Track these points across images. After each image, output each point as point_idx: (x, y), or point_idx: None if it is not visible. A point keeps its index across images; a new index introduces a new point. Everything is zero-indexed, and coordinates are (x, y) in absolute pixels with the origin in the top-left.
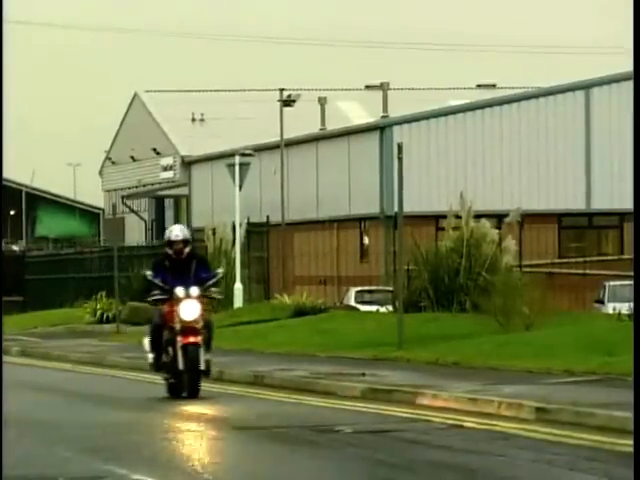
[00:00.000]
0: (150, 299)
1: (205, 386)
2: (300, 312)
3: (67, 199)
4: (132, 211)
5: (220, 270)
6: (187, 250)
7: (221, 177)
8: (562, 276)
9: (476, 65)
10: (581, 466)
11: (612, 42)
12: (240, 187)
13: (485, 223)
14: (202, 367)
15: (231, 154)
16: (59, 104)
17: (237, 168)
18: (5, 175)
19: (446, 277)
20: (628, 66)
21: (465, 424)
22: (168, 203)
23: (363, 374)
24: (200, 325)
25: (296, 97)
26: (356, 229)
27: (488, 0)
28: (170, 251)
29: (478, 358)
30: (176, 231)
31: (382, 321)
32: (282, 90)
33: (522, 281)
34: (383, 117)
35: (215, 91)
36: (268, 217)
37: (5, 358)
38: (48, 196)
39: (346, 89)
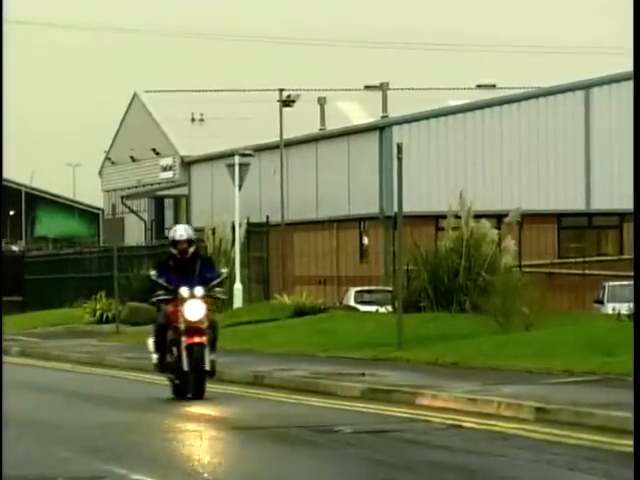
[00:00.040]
0: (154, 299)
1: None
2: (300, 312)
3: (67, 199)
4: (132, 211)
5: (225, 270)
6: (191, 250)
7: (221, 177)
8: (562, 276)
9: (476, 65)
10: (580, 466)
11: (612, 42)
12: (240, 187)
13: (485, 223)
14: (207, 368)
15: (231, 154)
16: (59, 104)
17: (237, 168)
18: (5, 175)
19: (446, 277)
20: (628, 66)
21: (464, 424)
22: (168, 203)
23: (363, 374)
24: (205, 325)
25: (296, 97)
26: (356, 229)
27: (488, 0)
28: (174, 251)
29: (478, 358)
30: (180, 231)
31: (382, 321)
32: (282, 90)
33: (522, 281)
34: (383, 117)
35: (215, 91)
36: (268, 217)
37: (5, 358)
38: (48, 196)
39: (346, 89)
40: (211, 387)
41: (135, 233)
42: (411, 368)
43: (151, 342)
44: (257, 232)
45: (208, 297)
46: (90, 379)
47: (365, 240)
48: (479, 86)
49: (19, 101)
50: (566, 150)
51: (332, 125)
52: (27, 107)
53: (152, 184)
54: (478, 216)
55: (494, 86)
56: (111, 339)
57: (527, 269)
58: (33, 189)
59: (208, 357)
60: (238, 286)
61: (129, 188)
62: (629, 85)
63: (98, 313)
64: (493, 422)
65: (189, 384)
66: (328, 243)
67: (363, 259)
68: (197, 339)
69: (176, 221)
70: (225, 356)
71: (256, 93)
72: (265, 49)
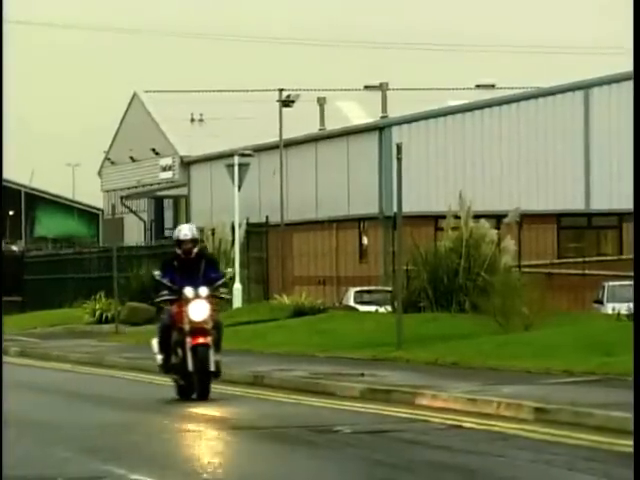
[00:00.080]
0: (159, 299)
1: None
2: (299, 312)
3: (66, 199)
4: (131, 211)
5: (229, 270)
6: (196, 250)
7: (220, 177)
8: (561, 276)
9: (475, 65)
10: (580, 466)
11: (612, 42)
12: (239, 187)
13: (484, 223)
14: (212, 368)
15: (230, 154)
16: (59, 104)
17: (236, 168)
18: (4, 175)
19: (445, 277)
20: (627, 66)
21: (464, 424)
22: (167, 203)
23: (362, 374)
24: (210, 326)
25: (295, 97)
26: (355, 229)
27: (488, 0)
28: (179, 251)
29: (477, 358)
30: (185, 230)
31: (381, 321)
32: (281, 90)
33: (521, 281)
34: (382, 117)
35: (214, 91)
36: (267, 217)
37: (4, 358)
38: (47, 196)
39: (345, 89)
40: (211, 387)
41: (134, 233)
42: (410, 368)
43: (155, 343)
44: (256, 232)
45: (213, 297)
46: (89, 379)
47: (364, 240)
48: (478, 86)
49: (19, 101)
50: (565, 150)
51: (332, 125)
52: (27, 107)
53: (151, 184)
54: (477, 216)
55: (493, 86)
56: (110, 339)
57: (526, 269)
58: (33, 189)
59: (213, 358)
60: (237, 286)
61: (128, 188)
62: (629, 85)
63: (97, 313)
64: (492, 422)
65: (194, 385)
66: (327, 243)
67: (362, 259)
68: (202, 340)
69: (175, 221)
70: (224, 356)
71: (256, 93)
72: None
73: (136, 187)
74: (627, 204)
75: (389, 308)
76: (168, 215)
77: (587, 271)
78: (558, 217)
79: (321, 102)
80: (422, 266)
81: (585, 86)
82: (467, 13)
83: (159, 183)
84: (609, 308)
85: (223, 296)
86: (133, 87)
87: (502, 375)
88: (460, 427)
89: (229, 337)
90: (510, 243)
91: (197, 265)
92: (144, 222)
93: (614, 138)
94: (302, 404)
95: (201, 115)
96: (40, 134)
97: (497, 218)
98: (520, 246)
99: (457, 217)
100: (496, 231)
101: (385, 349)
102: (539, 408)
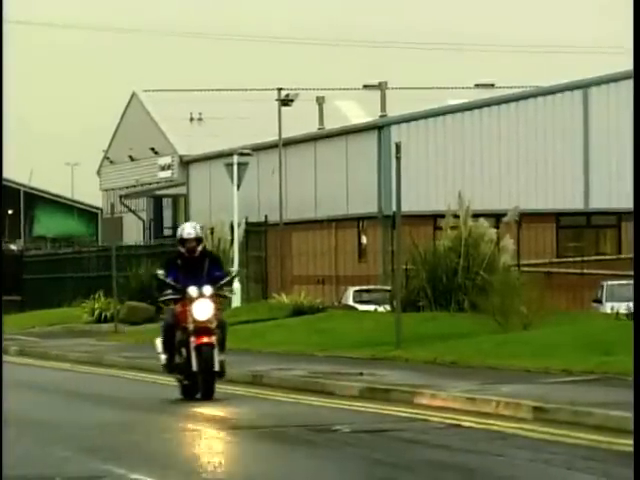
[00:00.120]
0: (162, 299)
1: None
2: (298, 311)
3: (65, 199)
4: (130, 210)
5: (234, 269)
6: (200, 248)
7: (219, 176)
8: (560, 275)
9: (475, 65)
10: (578, 465)
11: (612, 42)
12: (238, 186)
13: (483, 222)
14: (216, 368)
15: (229, 153)
16: (58, 104)
17: (235, 167)
18: (4, 175)
19: (444, 276)
20: (627, 65)
21: (463, 423)
22: (166, 202)
23: (361, 373)
24: (214, 325)
25: (294, 96)
26: (354, 229)
27: (488, 0)
28: (182, 249)
29: (476, 357)
30: (188, 229)
31: (380, 320)
32: (280, 89)
33: (520, 280)
34: (381, 116)
35: (213, 90)
36: (266, 217)
37: (3, 357)
38: (46, 195)
39: (344, 88)
40: (215, 387)
41: (133, 232)
42: (410, 367)
43: (159, 342)
44: (255, 231)
45: (217, 296)
46: (89, 378)
47: (364, 239)
48: (478, 85)
49: (19, 101)
50: (564, 149)
51: (331, 124)
52: (27, 107)
53: (150, 183)
54: (476, 215)
55: (493, 85)
56: (109, 338)
57: (525, 268)
58: (32, 188)
59: (217, 357)
60: (236, 285)
61: (127, 187)
62: (628, 84)
63: (96, 312)
64: (491, 421)
65: (198, 385)
66: (327, 242)
67: (361, 258)
68: (206, 339)
69: (174, 220)
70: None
71: (255, 92)
72: (264, 49)
73: (135, 186)
74: (626, 203)
75: (388, 307)
76: (167, 214)
77: (586, 270)
78: (557, 216)
79: (320, 101)
80: (421, 265)
81: (584, 85)
82: (467, 13)
83: (158, 182)
84: (608, 307)
85: (226, 294)
86: (132, 86)
87: (501, 374)
88: (459, 426)
89: (228, 336)
90: (509, 242)
91: (201, 264)
92: (143, 221)
93: (613, 137)
94: (301, 403)
95: (200, 114)
96: (40, 134)
97: (496, 217)
98: (519, 245)
99: (456, 216)
100: (495, 230)
101: (384, 348)
102: (538, 407)
